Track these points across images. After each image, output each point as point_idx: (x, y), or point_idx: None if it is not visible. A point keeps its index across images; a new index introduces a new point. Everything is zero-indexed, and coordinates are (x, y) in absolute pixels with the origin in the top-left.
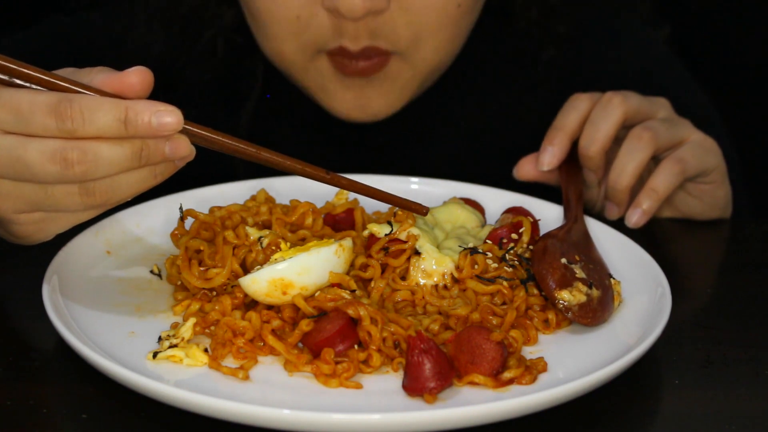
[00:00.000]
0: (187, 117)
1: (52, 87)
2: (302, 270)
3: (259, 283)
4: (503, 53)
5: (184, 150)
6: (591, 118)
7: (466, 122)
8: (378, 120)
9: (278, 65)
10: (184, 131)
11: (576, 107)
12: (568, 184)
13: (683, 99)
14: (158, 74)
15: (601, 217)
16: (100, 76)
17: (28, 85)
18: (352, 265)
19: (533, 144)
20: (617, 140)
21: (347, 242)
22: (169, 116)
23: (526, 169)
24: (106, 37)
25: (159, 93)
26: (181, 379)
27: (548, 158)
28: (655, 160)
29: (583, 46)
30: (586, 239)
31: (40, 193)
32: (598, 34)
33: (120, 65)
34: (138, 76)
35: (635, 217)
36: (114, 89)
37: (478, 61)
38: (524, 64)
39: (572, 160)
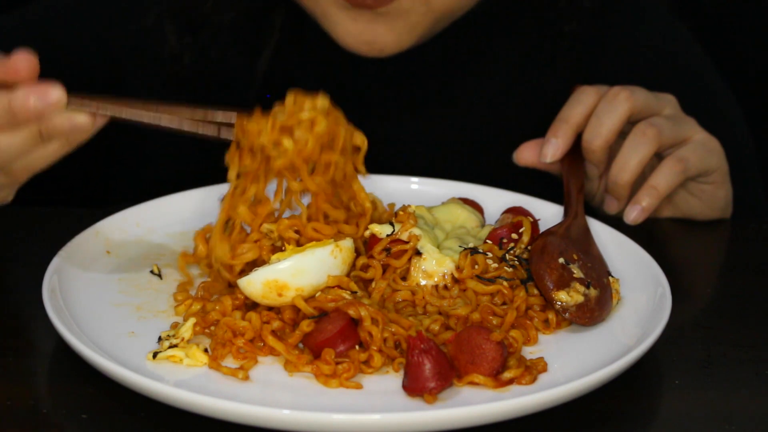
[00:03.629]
0: (209, 59)
1: None
2: (296, 271)
3: (254, 284)
4: (524, 24)
5: (81, 122)
6: (596, 111)
7: (488, 89)
8: (385, 56)
9: None
10: (75, 104)
11: (582, 100)
12: (570, 176)
13: (705, 84)
14: (182, 17)
15: (601, 217)
16: None
17: None
18: (353, 266)
19: (546, 121)
20: (621, 134)
21: (345, 243)
22: (51, 93)
23: (526, 155)
24: None
25: (185, 35)
26: (181, 379)
27: (552, 150)
28: (658, 157)
29: (608, 21)
30: (586, 235)
31: None
32: (624, 11)
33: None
34: (23, 62)
35: (634, 214)
36: (1, 77)
37: (498, 31)
38: (545, 36)
39: (575, 151)
